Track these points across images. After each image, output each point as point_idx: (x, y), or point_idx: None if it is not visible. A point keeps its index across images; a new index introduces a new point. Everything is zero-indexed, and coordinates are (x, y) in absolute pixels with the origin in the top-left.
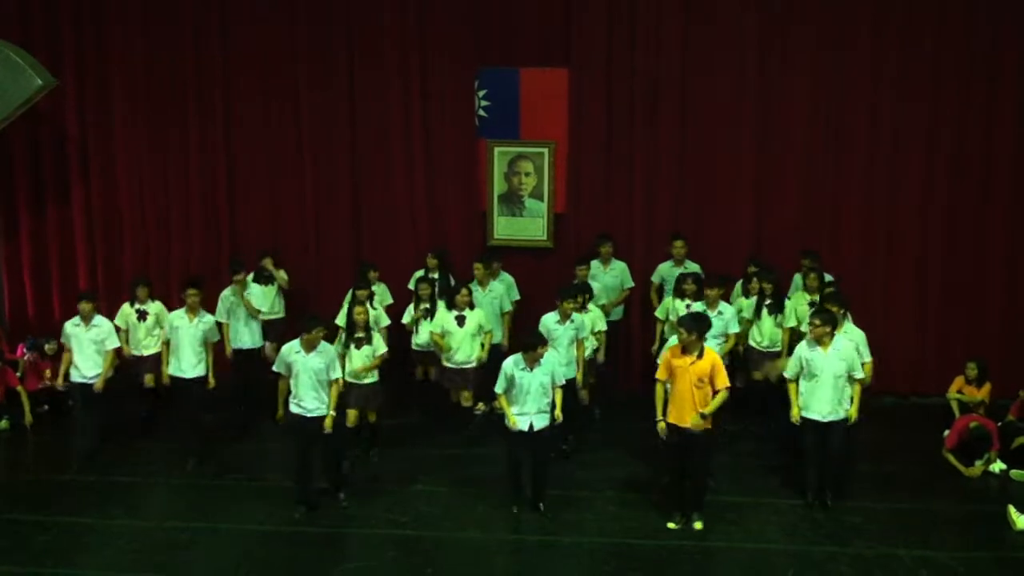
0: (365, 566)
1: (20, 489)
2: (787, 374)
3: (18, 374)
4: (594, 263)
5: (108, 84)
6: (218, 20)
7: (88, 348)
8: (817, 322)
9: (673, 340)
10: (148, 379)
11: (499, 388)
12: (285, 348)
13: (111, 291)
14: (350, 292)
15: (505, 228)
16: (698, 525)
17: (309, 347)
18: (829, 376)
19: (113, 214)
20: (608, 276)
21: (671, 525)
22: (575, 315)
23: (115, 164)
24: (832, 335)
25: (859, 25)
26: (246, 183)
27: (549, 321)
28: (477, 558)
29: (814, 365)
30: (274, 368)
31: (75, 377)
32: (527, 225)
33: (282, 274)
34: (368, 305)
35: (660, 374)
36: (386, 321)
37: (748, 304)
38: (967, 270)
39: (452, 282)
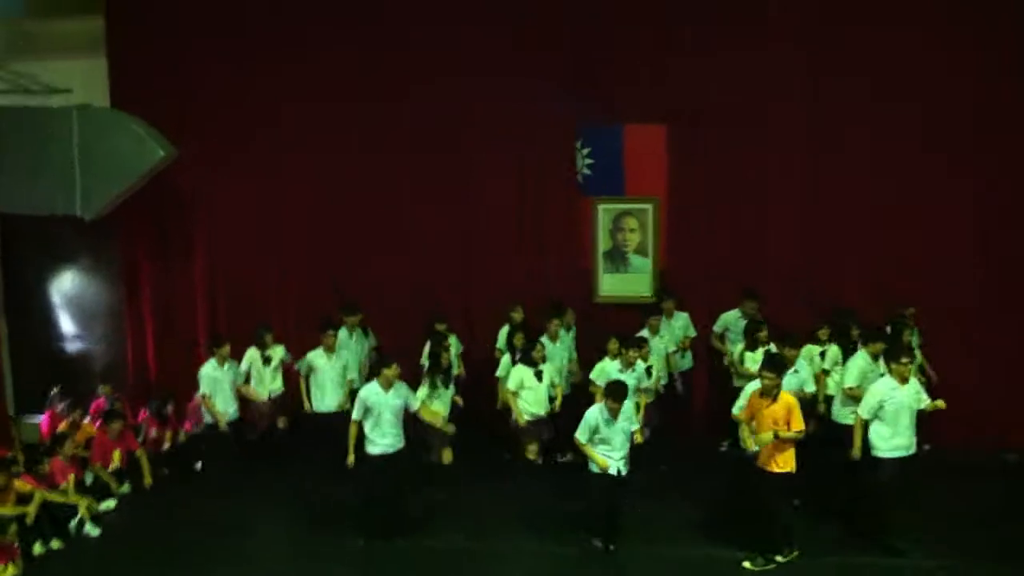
0: None
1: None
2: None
3: (139, 439)
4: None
5: (213, 140)
6: (318, 82)
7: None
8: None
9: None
10: (282, 421)
11: (583, 436)
12: (364, 394)
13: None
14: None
15: (610, 285)
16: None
17: (387, 385)
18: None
19: (230, 274)
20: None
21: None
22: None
23: (234, 223)
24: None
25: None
26: (353, 244)
27: (612, 369)
28: None
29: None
30: (355, 417)
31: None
32: (632, 281)
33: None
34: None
35: (743, 415)
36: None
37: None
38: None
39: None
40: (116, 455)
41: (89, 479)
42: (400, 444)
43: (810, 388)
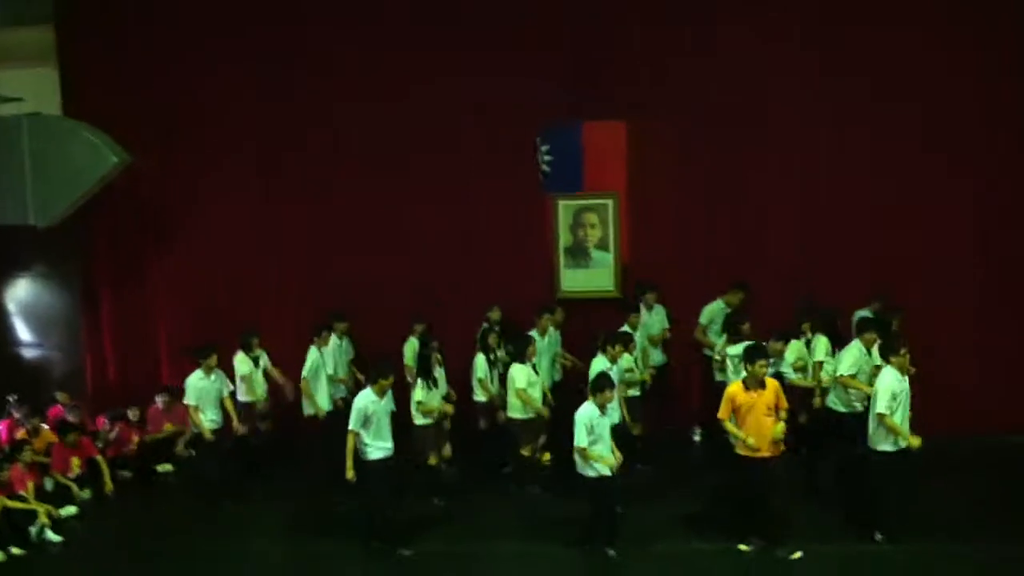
0: None
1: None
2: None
3: (98, 444)
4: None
5: (182, 151)
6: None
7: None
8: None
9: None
10: (267, 425)
11: (582, 442)
12: (361, 402)
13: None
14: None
15: (572, 280)
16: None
17: (382, 393)
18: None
19: (190, 282)
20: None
21: (743, 548)
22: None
23: (194, 232)
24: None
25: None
26: (319, 247)
27: (604, 366)
28: None
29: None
30: (352, 426)
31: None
32: (594, 276)
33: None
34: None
35: (724, 414)
36: None
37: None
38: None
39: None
40: (75, 463)
41: (50, 485)
42: (393, 448)
43: (792, 375)
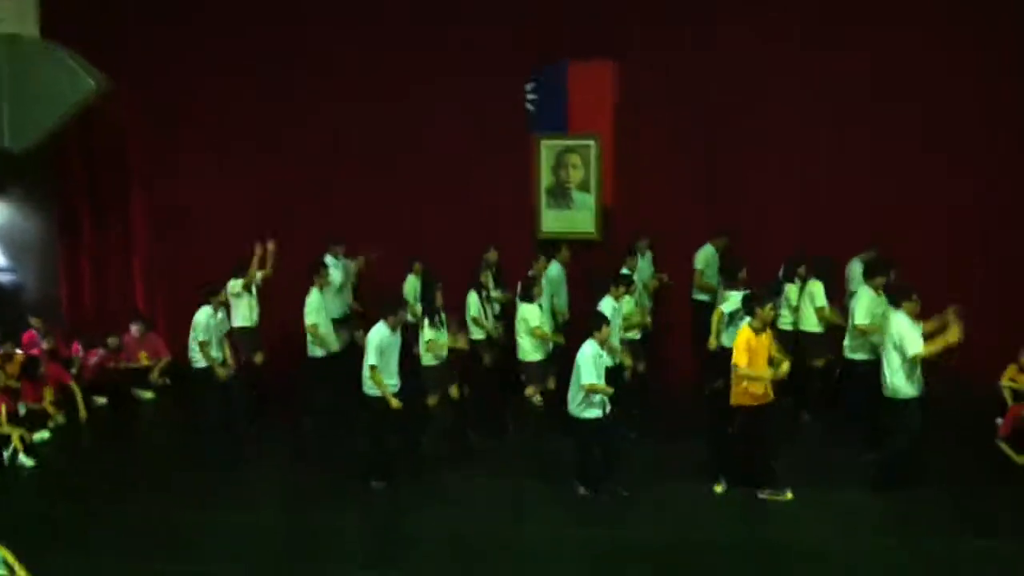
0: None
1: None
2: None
3: (72, 370)
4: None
5: (165, 86)
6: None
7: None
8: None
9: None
10: (259, 357)
11: (591, 379)
12: (376, 337)
13: (170, 291)
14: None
15: (553, 221)
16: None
17: (396, 326)
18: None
19: (170, 214)
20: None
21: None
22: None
23: (173, 164)
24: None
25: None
26: (301, 180)
27: (608, 307)
28: (534, 558)
29: None
30: (372, 361)
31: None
32: (575, 218)
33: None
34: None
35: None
36: None
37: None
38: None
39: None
40: (48, 393)
41: (23, 410)
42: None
43: (787, 319)
